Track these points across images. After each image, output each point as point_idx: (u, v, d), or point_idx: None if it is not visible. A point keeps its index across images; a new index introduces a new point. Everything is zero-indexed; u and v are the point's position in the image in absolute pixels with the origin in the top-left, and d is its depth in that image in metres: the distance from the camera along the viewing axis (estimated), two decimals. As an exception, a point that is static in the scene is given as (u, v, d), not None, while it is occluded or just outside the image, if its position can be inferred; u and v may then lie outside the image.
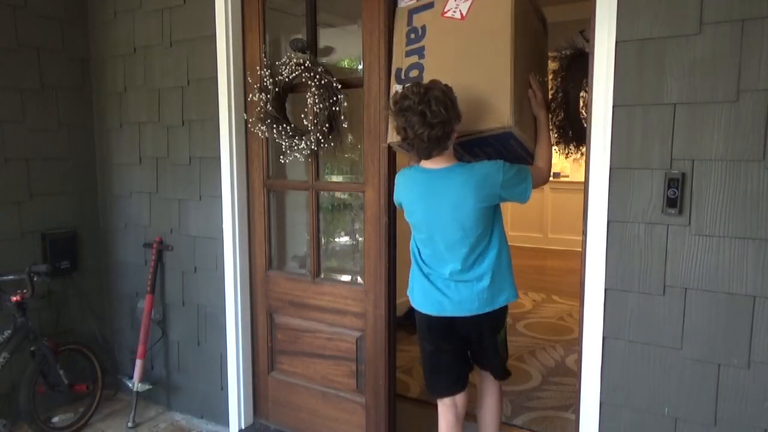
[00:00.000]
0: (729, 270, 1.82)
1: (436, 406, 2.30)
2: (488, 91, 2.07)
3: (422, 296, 2.18)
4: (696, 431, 1.91)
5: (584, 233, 2.05)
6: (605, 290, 2.02)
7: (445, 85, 1.95)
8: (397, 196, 2.24)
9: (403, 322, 4.75)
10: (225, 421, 3.06)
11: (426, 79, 2.09)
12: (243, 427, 3.03)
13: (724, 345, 1.84)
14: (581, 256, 2.09)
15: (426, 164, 2.07)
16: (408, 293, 2.28)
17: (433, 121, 1.88)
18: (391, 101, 2.03)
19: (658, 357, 1.95)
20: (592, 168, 2.00)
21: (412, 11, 2.28)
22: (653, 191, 1.91)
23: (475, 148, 2.22)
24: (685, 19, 1.82)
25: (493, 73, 2.06)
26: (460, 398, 2.22)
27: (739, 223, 1.79)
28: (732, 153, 1.78)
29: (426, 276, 2.16)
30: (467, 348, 2.25)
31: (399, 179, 2.22)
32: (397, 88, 2.21)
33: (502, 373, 2.30)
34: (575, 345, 2.16)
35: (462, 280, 2.08)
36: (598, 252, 2.02)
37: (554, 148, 2.70)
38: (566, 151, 2.75)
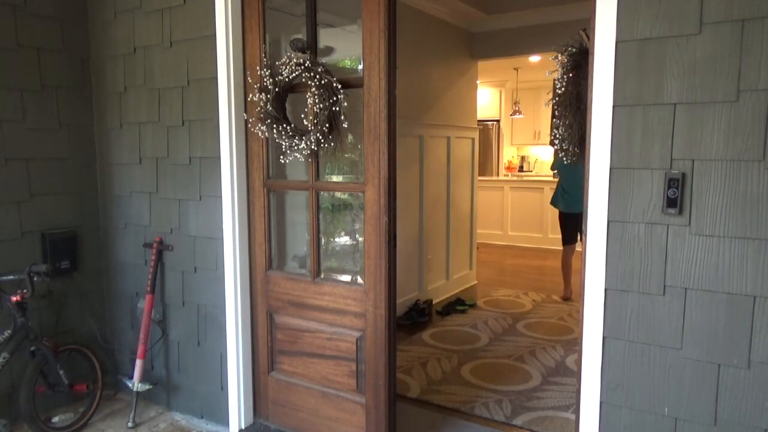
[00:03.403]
0: (729, 270, 1.82)
1: (435, 406, 2.84)
2: None
3: (563, 204, 5.42)
4: (696, 431, 1.92)
5: (584, 233, 2.06)
6: (605, 290, 2.02)
7: None
8: (555, 167, 5.90)
9: (403, 322, 4.77)
10: (225, 421, 3.06)
11: None
12: (243, 427, 3.03)
13: (724, 345, 1.84)
14: (581, 256, 2.09)
15: None
16: (551, 203, 5.69)
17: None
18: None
19: (658, 357, 1.95)
20: (592, 168, 2.01)
21: None
22: (653, 191, 1.91)
23: None
24: (685, 19, 1.82)
25: None
26: (572, 246, 5.45)
27: (739, 223, 1.79)
28: (732, 153, 1.78)
29: (564, 197, 5.37)
30: (576, 227, 5.22)
31: (555, 158, 5.70)
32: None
33: None
34: (575, 345, 2.16)
35: (576, 198, 5.08)
36: (598, 252, 2.02)
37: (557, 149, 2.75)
38: (570, 153, 2.74)
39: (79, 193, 3.37)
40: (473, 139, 6.13)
